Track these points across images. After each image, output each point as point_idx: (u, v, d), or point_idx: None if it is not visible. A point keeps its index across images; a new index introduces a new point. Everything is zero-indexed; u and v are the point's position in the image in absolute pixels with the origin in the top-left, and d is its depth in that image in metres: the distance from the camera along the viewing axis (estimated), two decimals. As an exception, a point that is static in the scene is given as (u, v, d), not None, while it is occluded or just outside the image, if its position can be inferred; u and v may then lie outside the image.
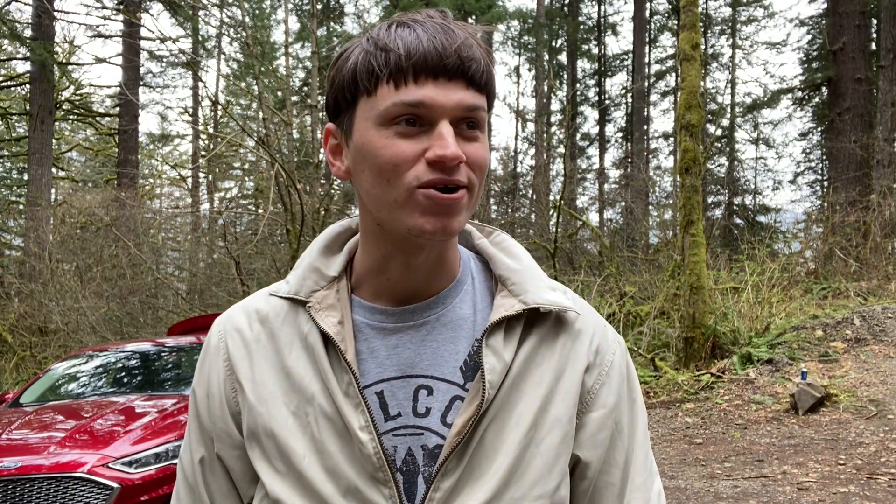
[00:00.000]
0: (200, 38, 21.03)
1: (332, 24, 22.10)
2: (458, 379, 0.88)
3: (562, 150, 22.47)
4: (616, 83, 28.61)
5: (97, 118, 21.35)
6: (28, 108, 17.42)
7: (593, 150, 27.00)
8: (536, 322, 0.90)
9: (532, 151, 24.13)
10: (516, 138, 25.06)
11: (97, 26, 18.90)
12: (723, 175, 22.28)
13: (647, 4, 24.07)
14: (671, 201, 17.16)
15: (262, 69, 14.68)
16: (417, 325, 0.89)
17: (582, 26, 25.98)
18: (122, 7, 17.77)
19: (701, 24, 12.39)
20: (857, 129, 15.79)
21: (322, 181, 13.44)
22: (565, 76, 26.03)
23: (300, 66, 22.07)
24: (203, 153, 20.49)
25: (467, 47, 0.82)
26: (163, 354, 6.13)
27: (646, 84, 24.45)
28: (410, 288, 0.90)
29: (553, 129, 24.99)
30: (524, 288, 0.90)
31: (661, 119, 33.73)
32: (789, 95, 21.56)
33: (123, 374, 5.93)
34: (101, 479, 4.06)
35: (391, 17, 0.85)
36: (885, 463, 5.61)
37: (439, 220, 0.81)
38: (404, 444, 0.86)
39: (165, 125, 27.72)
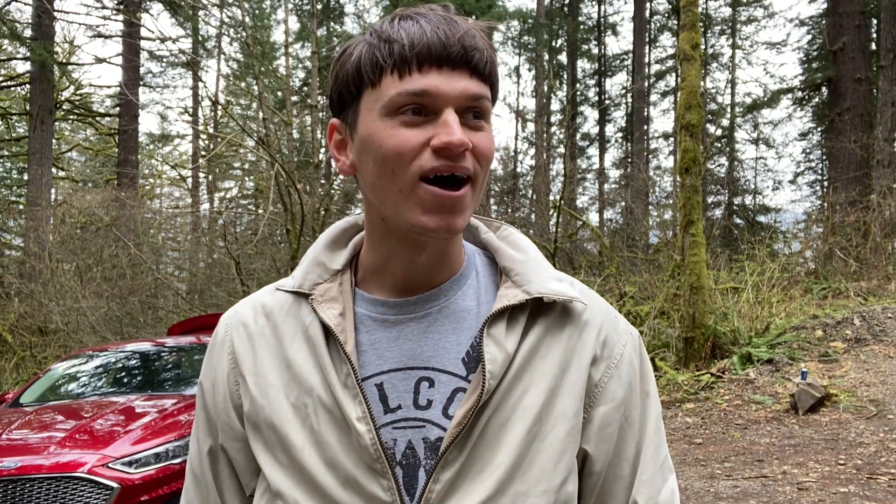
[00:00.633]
0: (200, 38, 21.01)
1: (332, 24, 22.10)
2: (461, 371, 0.87)
3: (562, 150, 22.46)
4: (616, 83, 28.62)
5: (97, 118, 21.33)
6: (28, 108, 17.40)
7: (593, 150, 27.04)
8: (541, 313, 0.89)
9: (532, 151, 24.11)
10: (516, 138, 25.01)
11: (97, 26, 18.94)
12: (723, 175, 22.28)
13: (647, 4, 24.07)
14: (671, 201, 17.16)
15: (262, 69, 14.67)
16: (419, 316, 0.89)
17: (582, 26, 25.97)
18: (122, 7, 17.75)
19: (701, 24, 12.38)
20: (857, 129, 15.78)
21: (322, 181, 13.43)
22: (565, 76, 26.02)
23: (300, 66, 22.06)
24: (203, 153, 20.48)
25: (470, 37, 0.82)
26: (163, 354, 6.13)
27: (646, 84, 24.44)
28: (414, 282, 0.90)
29: (553, 129, 24.99)
30: (528, 278, 0.89)
31: (661, 119, 33.77)
32: (789, 95, 21.57)
33: (123, 374, 5.93)
34: (101, 479, 4.06)
35: (394, 12, 0.86)
36: (885, 463, 5.61)
37: (443, 217, 0.82)
38: (404, 437, 0.85)
39: (165, 125, 27.72)
